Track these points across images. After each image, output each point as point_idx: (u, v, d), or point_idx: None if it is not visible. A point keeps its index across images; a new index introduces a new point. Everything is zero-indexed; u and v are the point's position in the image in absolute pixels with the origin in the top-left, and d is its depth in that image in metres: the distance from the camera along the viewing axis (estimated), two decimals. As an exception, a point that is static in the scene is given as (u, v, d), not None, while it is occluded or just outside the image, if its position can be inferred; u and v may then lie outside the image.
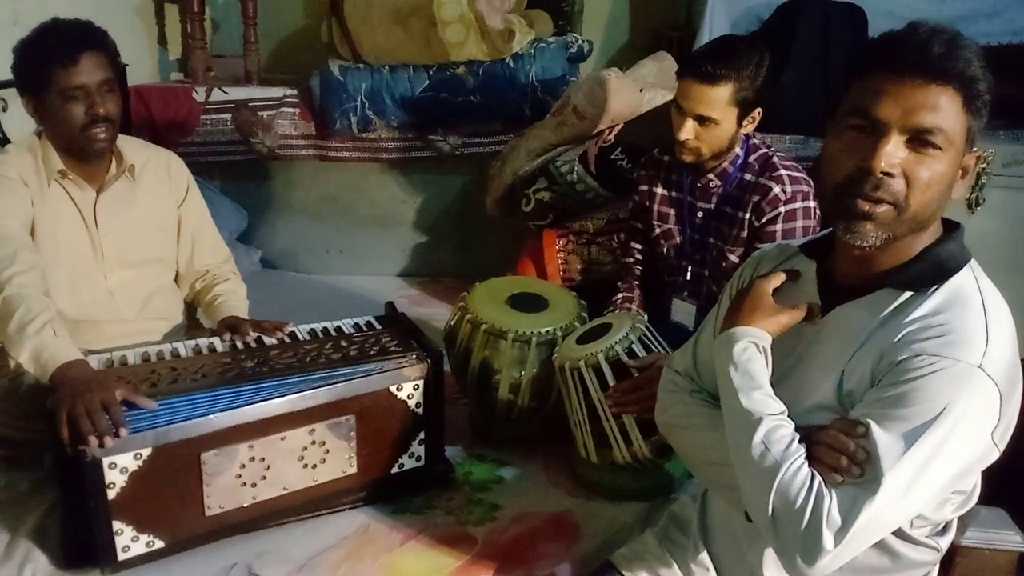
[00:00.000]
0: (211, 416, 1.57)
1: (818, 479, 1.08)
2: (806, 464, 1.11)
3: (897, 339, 1.12)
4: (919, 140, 1.10)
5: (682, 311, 2.46)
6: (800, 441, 1.13)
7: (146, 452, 1.52)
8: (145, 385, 1.61)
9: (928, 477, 1.06)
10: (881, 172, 1.10)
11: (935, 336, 1.10)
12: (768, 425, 1.14)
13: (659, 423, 1.45)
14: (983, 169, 2.64)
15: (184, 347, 1.82)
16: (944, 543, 1.26)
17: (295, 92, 3.48)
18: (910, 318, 1.13)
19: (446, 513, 1.80)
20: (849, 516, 1.05)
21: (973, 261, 1.19)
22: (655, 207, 2.32)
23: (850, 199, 1.13)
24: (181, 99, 3.43)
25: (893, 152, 1.10)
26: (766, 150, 2.18)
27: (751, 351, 1.22)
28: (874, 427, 1.07)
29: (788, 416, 1.19)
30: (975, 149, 1.16)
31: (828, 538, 1.05)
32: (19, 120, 2.05)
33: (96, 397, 1.49)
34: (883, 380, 1.11)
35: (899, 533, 1.20)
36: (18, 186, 1.88)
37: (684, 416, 1.37)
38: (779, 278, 1.30)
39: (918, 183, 1.11)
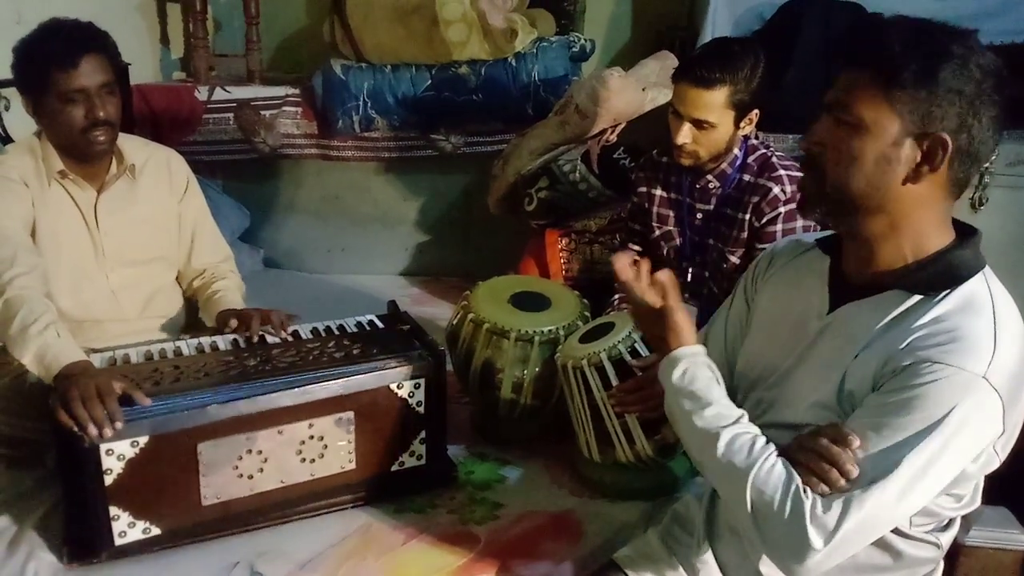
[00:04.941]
0: (209, 407, 1.58)
1: (796, 479, 1.09)
2: (780, 463, 1.12)
3: (903, 345, 1.11)
4: (835, 115, 1.16)
5: (683, 311, 2.46)
6: (768, 442, 1.15)
7: (143, 440, 1.55)
8: (148, 383, 1.62)
9: (925, 484, 1.07)
10: (809, 144, 1.19)
11: (941, 343, 1.09)
12: (726, 437, 1.16)
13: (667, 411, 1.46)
14: (986, 169, 2.63)
15: (187, 345, 1.82)
16: (946, 540, 1.26)
17: (297, 91, 3.48)
18: (918, 323, 1.12)
19: (448, 512, 1.80)
20: (840, 519, 1.06)
21: (987, 268, 1.18)
22: (654, 209, 2.32)
23: None
24: (183, 98, 3.43)
25: (816, 130, 1.18)
26: (765, 150, 2.18)
27: (690, 371, 1.25)
28: (871, 433, 1.07)
29: (787, 412, 1.21)
30: (942, 132, 1.10)
31: (816, 537, 1.06)
32: (22, 118, 2.04)
33: (91, 384, 1.50)
34: (885, 386, 1.11)
35: (899, 531, 1.20)
36: (18, 187, 1.88)
37: None
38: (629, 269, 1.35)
39: (830, 157, 1.16)
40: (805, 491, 1.08)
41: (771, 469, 1.11)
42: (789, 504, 1.08)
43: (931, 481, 1.07)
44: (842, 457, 1.07)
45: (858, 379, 1.15)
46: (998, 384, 1.07)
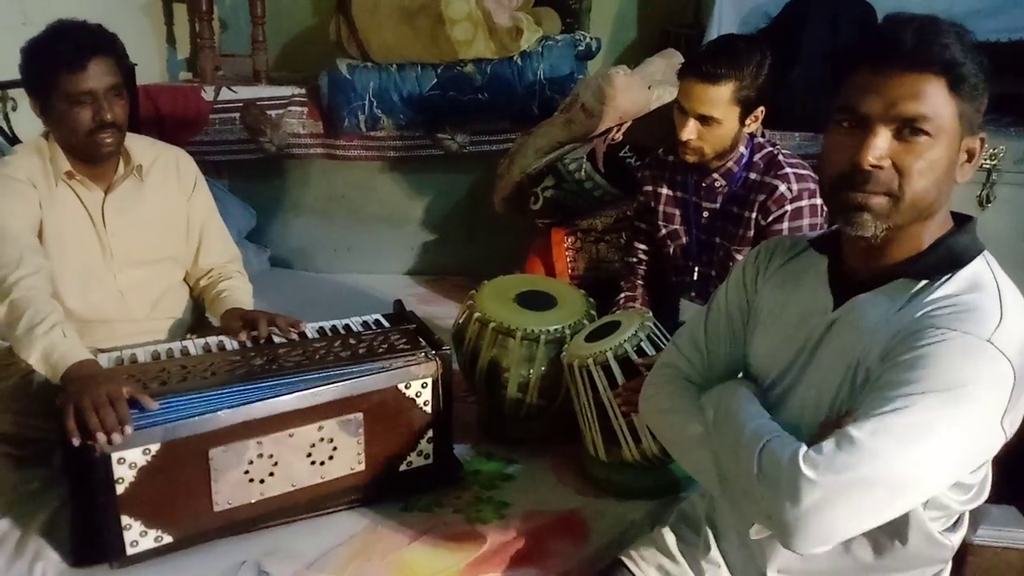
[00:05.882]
0: (219, 413, 1.58)
1: (805, 445, 1.10)
2: (795, 439, 1.14)
3: (913, 318, 1.12)
4: (906, 129, 1.11)
5: (689, 311, 2.46)
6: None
7: (154, 447, 1.53)
8: (155, 383, 1.62)
9: (933, 443, 1.04)
10: (869, 165, 1.11)
11: (948, 312, 1.10)
12: (756, 422, 1.20)
13: (642, 410, 1.48)
14: (994, 166, 2.62)
15: (194, 345, 1.83)
16: (956, 539, 1.25)
17: (303, 91, 3.49)
18: (926, 301, 1.13)
19: (455, 511, 1.81)
20: (834, 451, 1.05)
21: (986, 252, 1.19)
22: (660, 208, 2.31)
23: (844, 193, 1.15)
24: (190, 98, 3.44)
25: (880, 146, 1.11)
26: (771, 148, 2.17)
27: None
28: (874, 391, 1.09)
29: (806, 414, 1.22)
30: (980, 133, 1.16)
31: (808, 470, 1.05)
32: (29, 119, 2.05)
33: (102, 391, 1.50)
34: (892, 352, 1.11)
35: (910, 526, 1.19)
36: (26, 188, 1.88)
37: (669, 397, 1.40)
38: None
39: (910, 172, 1.11)
40: (807, 447, 1.09)
41: (785, 438, 1.14)
42: (788, 451, 1.09)
43: (940, 442, 1.05)
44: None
45: (871, 360, 1.15)
46: (1006, 349, 1.06)
